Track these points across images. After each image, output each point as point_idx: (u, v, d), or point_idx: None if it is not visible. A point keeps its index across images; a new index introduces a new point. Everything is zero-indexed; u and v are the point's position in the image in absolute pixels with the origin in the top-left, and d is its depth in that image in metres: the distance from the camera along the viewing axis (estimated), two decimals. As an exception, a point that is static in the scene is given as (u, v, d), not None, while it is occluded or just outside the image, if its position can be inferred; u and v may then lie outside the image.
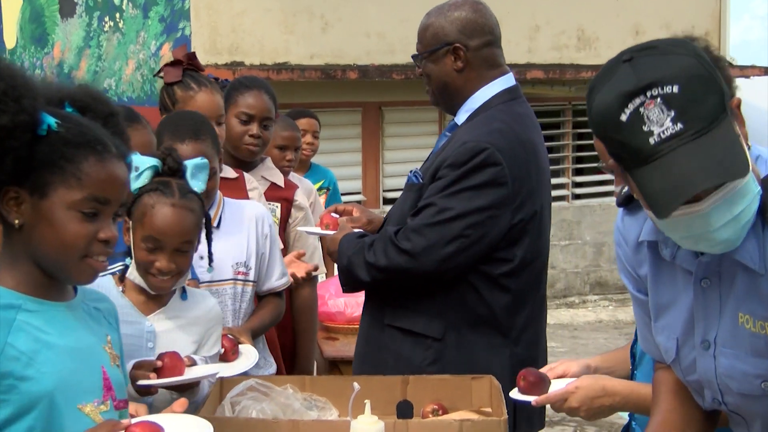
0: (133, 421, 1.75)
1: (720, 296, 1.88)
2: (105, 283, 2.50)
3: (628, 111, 1.68)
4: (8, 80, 1.74)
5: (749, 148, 1.77)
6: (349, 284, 3.01)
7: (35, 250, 1.79)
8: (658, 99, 1.66)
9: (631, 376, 2.51)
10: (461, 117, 3.00)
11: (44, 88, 1.86)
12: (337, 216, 3.21)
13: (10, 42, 10.40)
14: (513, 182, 2.84)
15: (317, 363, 3.96)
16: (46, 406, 1.74)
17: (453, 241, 2.82)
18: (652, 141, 1.66)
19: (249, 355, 2.76)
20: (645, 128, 1.67)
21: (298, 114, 5.53)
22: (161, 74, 3.51)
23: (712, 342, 1.91)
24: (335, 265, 5.12)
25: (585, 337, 8.87)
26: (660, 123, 1.66)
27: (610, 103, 1.70)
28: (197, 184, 2.60)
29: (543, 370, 2.52)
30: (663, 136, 1.66)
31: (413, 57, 3.06)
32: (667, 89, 1.66)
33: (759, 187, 1.76)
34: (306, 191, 4.13)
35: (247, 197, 3.43)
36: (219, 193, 3.10)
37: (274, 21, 9.04)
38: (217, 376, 2.49)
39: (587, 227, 10.67)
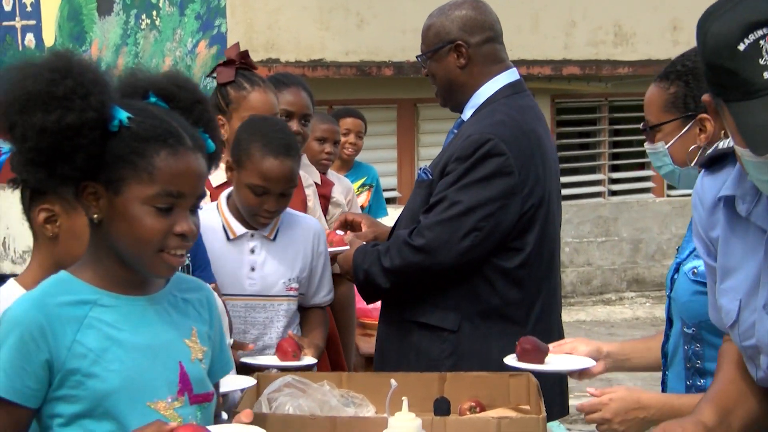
0: (183, 424, 1.75)
1: None
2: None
3: (747, 41, 1.66)
4: (77, 78, 1.74)
5: None
6: (370, 296, 3.10)
7: (114, 245, 1.80)
8: None
9: (663, 376, 2.49)
10: (467, 113, 3.07)
11: (127, 80, 1.87)
12: (342, 233, 3.27)
13: (48, 40, 10.48)
14: (519, 171, 2.90)
15: (354, 360, 3.96)
16: (114, 403, 1.76)
17: (468, 235, 2.87)
18: (765, 75, 1.65)
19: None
20: (761, 62, 1.66)
21: (344, 113, 5.54)
22: (214, 75, 3.47)
23: None
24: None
25: (622, 334, 8.81)
26: None
27: (731, 30, 1.68)
28: None
29: (552, 345, 2.52)
30: None
31: (417, 57, 3.15)
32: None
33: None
34: (344, 189, 4.12)
35: (304, 195, 3.43)
36: None
37: (310, 17, 9.05)
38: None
39: (624, 224, 10.59)
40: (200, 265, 2.83)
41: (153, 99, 1.85)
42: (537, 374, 2.50)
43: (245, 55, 3.45)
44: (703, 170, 2.04)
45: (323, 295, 3.20)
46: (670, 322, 2.44)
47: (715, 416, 2.00)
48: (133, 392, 1.77)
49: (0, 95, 1.76)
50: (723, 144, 1.97)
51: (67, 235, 2.10)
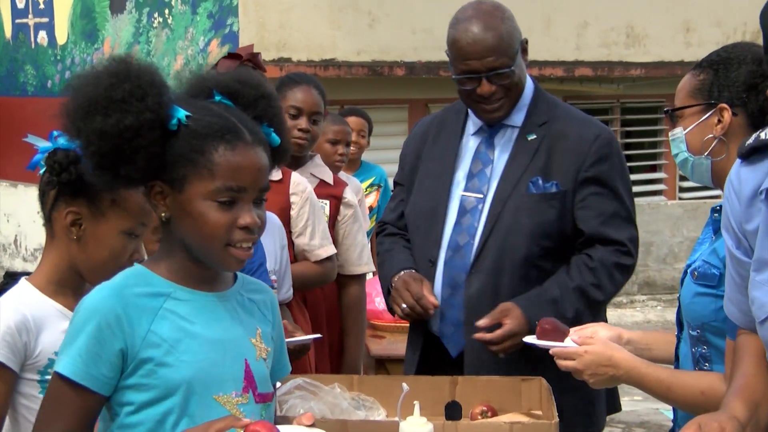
0: (256, 420, 1.76)
1: None
2: None
3: None
4: (135, 81, 1.79)
5: None
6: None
7: (183, 241, 1.85)
8: None
9: None
10: (518, 116, 2.99)
11: (193, 81, 1.91)
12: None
13: (61, 38, 10.50)
14: None
15: (364, 361, 3.96)
16: (184, 393, 1.79)
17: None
18: None
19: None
20: None
21: (348, 112, 5.54)
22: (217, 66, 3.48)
23: None
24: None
25: (632, 337, 8.77)
26: None
27: None
28: None
29: (573, 329, 2.52)
30: None
31: (500, 74, 2.87)
32: None
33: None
34: (353, 189, 4.13)
35: (288, 202, 3.41)
36: None
37: (322, 17, 9.04)
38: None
39: (635, 226, 10.57)
40: (255, 267, 2.87)
41: (218, 97, 1.89)
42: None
43: (255, 55, 3.45)
44: (740, 160, 2.01)
45: (285, 291, 3.22)
46: (680, 325, 2.43)
47: (746, 411, 1.98)
48: (203, 384, 1.81)
49: (67, 103, 1.82)
50: (764, 134, 1.95)
51: (89, 239, 2.15)
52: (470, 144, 3.02)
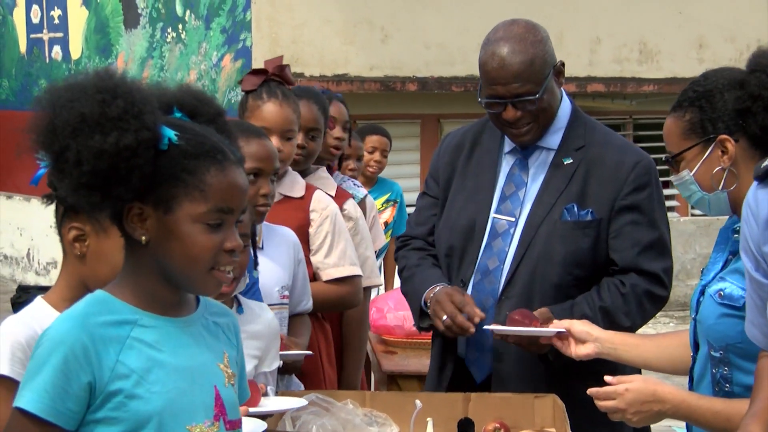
0: None
1: None
2: None
3: None
4: (126, 97, 1.71)
5: None
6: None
7: (162, 265, 1.77)
8: None
9: None
10: (554, 138, 2.92)
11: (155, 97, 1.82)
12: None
13: (75, 52, 10.56)
14: None
15: (376, 377, 3.94)
16: (156, 425, 1.72)
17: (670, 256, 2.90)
18: None
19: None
20: None
21: (371, 130, 5.55)
22: (242, 83, 3.40)
23: None
24: (395, 278, 5.09)
25: (644, 353, 8.73)
26: None
27: None
28: None
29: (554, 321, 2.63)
30: None
31: (525, 101, 2.79)
32: None
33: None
34: (368, 206, 4.10)
35: (307, 219, 3.37)
36: None
37: (334, 32, 9.07)
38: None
39: (647, 242, 10.54)
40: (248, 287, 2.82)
41: (178, 114, 1.82)
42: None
43: (282, 68, 3.36)
44: (756, 183, 2.02)
45: (305, 302, 3.18)
46: (696, 345, 2.42)
47: None
48: (174, 415, 1.74)
49: (45, 118, 1.72)
50: None
51: (94, 256, 2.10)
52: (504, 163, 2.96)
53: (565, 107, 2.94)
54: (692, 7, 10.39)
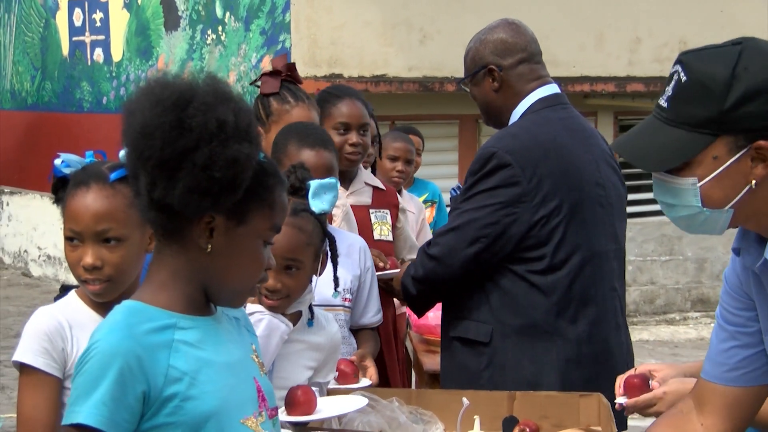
0: None
1: None
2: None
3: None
4: (247, 108, 1.77)
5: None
6: (409, 305, 3.28)
7: (212, 275, 1.78)
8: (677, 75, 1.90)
9: None
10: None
11: None
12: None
13: (116, 55, 10.65)
14: (528, 181, 2.93)
15: (418, 376, 3.94)
16: (214, 424, 1.73)
17: (474, 243, 2.95)
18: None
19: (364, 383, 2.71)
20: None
21: (404, 130, 5.55)
22: (258, 83, 3.42)
23: None
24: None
25: (686, 354, 8.68)
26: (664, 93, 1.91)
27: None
28: (319, 205, 2.55)
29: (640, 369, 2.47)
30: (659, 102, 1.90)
31: (458, 83, 3.30)
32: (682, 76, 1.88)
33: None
34: (415, 208, 4.12)
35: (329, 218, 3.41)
36: None
37: (374, 33, 9.09)
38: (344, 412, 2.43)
39: (689, 243, 10.44)
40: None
41: None
42: None
43: (292, 67, 3.39)
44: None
45: (372, 315, 3.15)
46: None
47: None
48: (229, 411, 1.76)
49: (170, 117, 1.72)
50: None
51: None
52: None
53: (521, 110, 3.11)
54: (734, 6, 10.30)
